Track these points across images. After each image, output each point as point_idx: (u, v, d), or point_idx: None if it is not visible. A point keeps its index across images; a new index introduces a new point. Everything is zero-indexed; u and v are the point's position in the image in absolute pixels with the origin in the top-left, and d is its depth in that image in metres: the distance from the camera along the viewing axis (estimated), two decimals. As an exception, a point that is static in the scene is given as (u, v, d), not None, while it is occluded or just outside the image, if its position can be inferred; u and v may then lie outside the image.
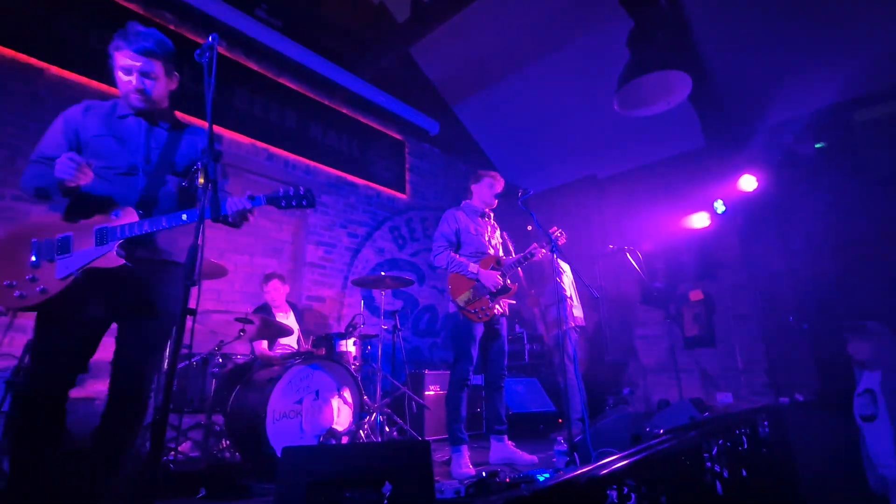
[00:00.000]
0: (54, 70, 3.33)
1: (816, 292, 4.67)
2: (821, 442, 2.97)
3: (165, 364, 2.59)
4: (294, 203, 1.68)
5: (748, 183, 4.83)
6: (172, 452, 2.54)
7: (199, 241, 1.27)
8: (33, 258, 1.53)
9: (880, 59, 4.30)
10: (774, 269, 5.05)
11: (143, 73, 1.66)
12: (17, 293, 1.50)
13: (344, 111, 5.18)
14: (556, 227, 3.04)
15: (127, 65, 1.65)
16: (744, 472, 2.11)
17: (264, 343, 3.43)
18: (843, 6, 4.12)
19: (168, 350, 2.02)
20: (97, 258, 1.55)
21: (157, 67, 1.69)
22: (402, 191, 5.70)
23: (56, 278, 1.52)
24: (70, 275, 1.52)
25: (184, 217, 1.57)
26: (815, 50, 4.46)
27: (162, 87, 1.73)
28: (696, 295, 5.58)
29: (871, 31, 4.17)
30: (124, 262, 1.56)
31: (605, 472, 1.34)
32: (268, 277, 3.68)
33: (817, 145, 4.71)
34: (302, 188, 1.69)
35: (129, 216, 1.59)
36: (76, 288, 1.53)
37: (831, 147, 4.76)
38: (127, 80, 1.67)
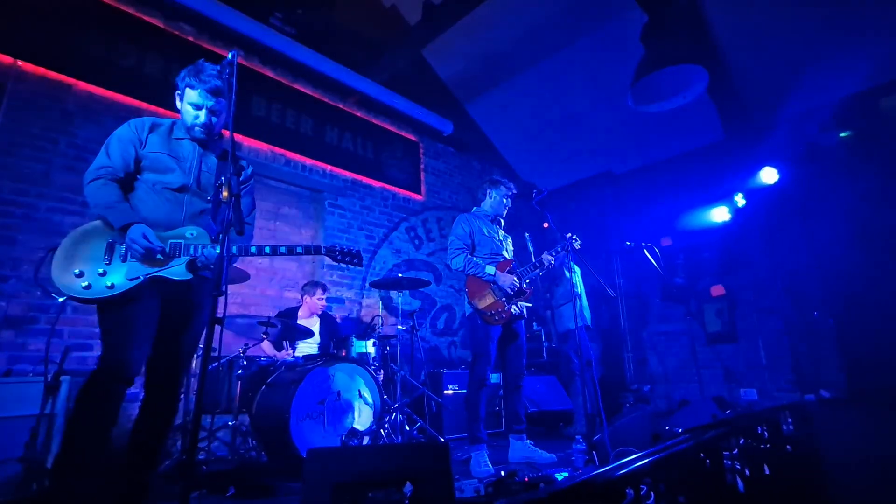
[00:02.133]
0: (82, 85, 3.47)
1: (843, 286, 4.55)
2: (850, 440, 2.90)
3: (194, 366, 2.70)
4: (347, 259, 1.97)
5: (769, 175, 4.72)
6: (203, 452, 2.64)
7: (224, 253, 1.33)
8: (106, 256, 1.64)
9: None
10: (799, 262, 4.94)
11: (212, 111, 1.83)
12: (84, 283, 1.58)
13: (358, 114, 5.25)
14: (572, 233, 3.04)
15: (198, 102, 1.82)
16: (766, 471, 2.09)
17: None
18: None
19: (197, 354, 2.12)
20: (167, 269, 1.68)
21: (223, 104, 1.86)
22: (418, 191, 5.74)
23: (126, 278, 1.63)
24: (138, 277, 1.64)
25: (253, 250, 1.78)
26: (838, 36, 4.33)
27: (223, 119, 1.90)
28: (717, 290, 5.49)
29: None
30: (190, 277, 1.71)
31: (622, 472, 1.35)
32: (314, 285, 3.83)
33: (842, 135, 4.58)
34: (355, 248, 1.99)
35: (202, 237, 1.75)
36: (139, 290, 1.64)
37: (857, 136, 4.62)
38: (195, 114, 1.83)
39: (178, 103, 1.88)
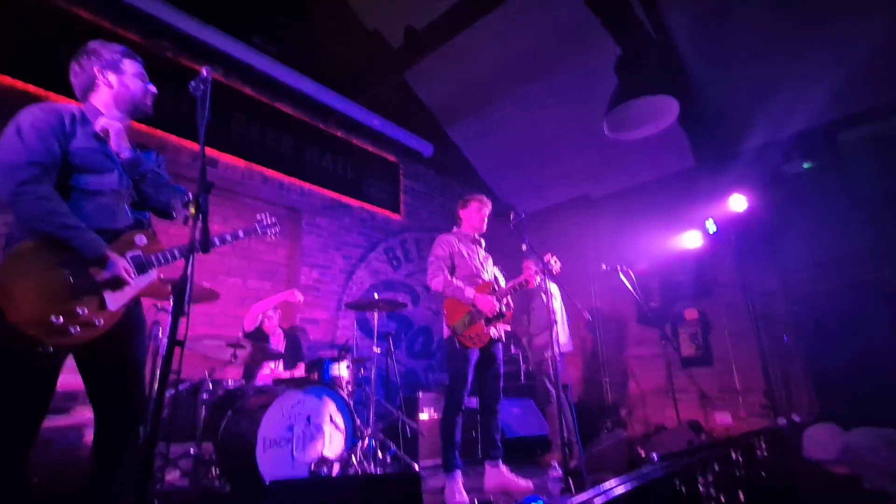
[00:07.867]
0: (53, 97, 3.38)
1: (811, 311, 4.68)
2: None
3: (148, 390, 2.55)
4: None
5: (738, 203, 4.88)
6: (158, 483, 2.48)
7: (189, 272, 1.27)
8: (75, 292, 1.40)
9: (861, 79, 4.41)
10: (768, 287, 5.07)
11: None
12: (71, 329, 1.36)
13: (339, 135, 5.25)
14: (551, 255, 3.04)
15: (142, 72, 1.72)
16: (741, 497, 2.08)
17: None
18: (825, 29, 4.24)
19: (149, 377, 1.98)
20: (144, 287, 1.56)
21: None
22: (397, 212, 5.73)
23: (110, 310, 1.45)
24: (124, 305, 1.49)
25: (229, 237, 1.82)
26: (799, 72, 4.58)
27: None
28: (691, 314, 5.58)
29: (852, 52, 4.29)
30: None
31: (598, 501, 1.32)
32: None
33: (805, 165, 4.79)
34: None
35: (154, 243, 1.61)
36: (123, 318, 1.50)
37: (819, 167, 4.84)
38: (144, 84, 1.70)
39: (107, 79, 1.65)
